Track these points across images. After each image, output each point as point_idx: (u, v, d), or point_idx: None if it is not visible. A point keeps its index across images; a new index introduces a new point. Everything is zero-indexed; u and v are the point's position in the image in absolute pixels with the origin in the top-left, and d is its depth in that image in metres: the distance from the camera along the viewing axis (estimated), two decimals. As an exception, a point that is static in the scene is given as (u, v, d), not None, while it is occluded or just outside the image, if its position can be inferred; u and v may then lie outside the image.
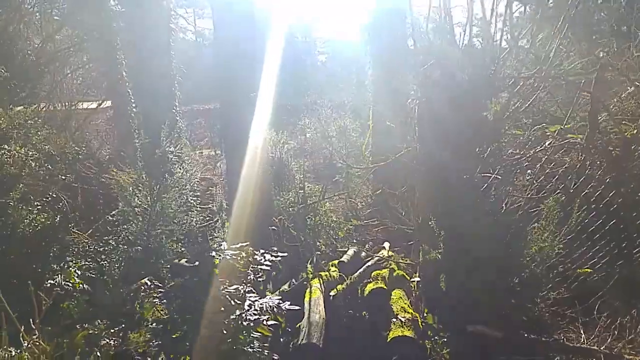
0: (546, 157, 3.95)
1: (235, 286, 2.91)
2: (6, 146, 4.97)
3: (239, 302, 2.84)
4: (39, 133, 5.68)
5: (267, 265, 3.16)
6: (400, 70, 6.73)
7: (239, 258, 2.97)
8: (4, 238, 4.75)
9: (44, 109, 7.72)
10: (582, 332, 3.59)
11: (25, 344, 2.50)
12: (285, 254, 3.27)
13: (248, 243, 3.06)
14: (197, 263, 3.24)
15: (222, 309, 2.83)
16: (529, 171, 3.94)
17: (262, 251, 3.21)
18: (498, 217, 3.82)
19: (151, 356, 3.79)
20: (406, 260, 4.83)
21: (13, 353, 2.82)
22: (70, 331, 4.05)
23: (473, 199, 3.84)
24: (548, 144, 3.86)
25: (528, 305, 3.72)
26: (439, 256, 3.85)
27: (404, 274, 4.52)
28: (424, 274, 4.14)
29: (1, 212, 4.83)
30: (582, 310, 3.71)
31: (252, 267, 3.13)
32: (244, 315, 2.86)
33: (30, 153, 5.47)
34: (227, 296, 2.81)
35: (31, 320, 2.52)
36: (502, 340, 3.46)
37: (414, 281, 4.35)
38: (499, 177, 3.95)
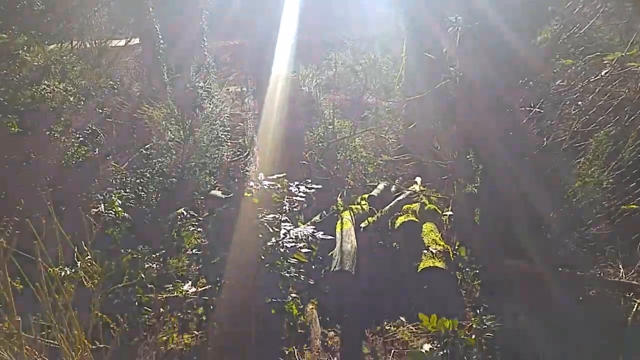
0: (600, 88, 3.69)
1: (272, 215, 2.96)
2: (46, 81, 5.03)
3: (276, 229, 2.89)
4: (74, 68, 5.71)
5: (301, 196, 3.18)
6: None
7: (275, 188, 2.98)
8: (51, 167, 4.95)
9: (76, 46, 7.71)
10: (620, 267, 3.54)
11: (79, 264, 2.63)
12: (320, 186, 3.26)
13: (284, 174, 3.06)
14: (231, 195, 3.31)
15: (260, 236, 2.89)
16: (579, 103, 3.70)
17: (296, 183, 3.22)
18: (540, 151, 3.67)
19: (190, 279, 4.01)
20: (438, 195, 4.78)
21: (69, 272, 3.01)
22: (116, 256, 4.31)
23: (515, 132, 3.68)
24: (605, 74, 3.58)
25: (565, 240, 3.65)
26: (475, 190, 3.77)
27: (436, 207, 4.49)
28: (457, 208, 4.10)
29: (46, 143, 4.99)
30: (622, 246, 3.63)
31: (287, 198, 3.16)
32: (280, 242, 2.93)
33: (69, 88, 5.54)
34: (265, 224, 2.87)
35: (82, 242, 2.64)
36: (536, 275, 3.45)
37: (446, 215, 4.33)
38: (544, 110, 3.75)
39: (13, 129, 4.27)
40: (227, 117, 8.66)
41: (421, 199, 4.69)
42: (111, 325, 2.45)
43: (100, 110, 5.97)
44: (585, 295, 3.36)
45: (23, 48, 5.04)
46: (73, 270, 2.71)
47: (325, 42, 16.48)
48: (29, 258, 2.22)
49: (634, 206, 3.65)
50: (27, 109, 4.75)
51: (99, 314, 2.41)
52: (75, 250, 2.73)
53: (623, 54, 3.50)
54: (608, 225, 3.55)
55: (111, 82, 7.27)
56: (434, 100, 4.77)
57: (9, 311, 2.13)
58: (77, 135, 5.47)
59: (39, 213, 2.60)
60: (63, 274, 2.72)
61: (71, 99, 5.51)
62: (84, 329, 2.37)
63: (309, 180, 3.32)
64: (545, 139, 3.81)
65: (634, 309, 3.07)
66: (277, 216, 3.02)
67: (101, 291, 2.55)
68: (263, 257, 2.88)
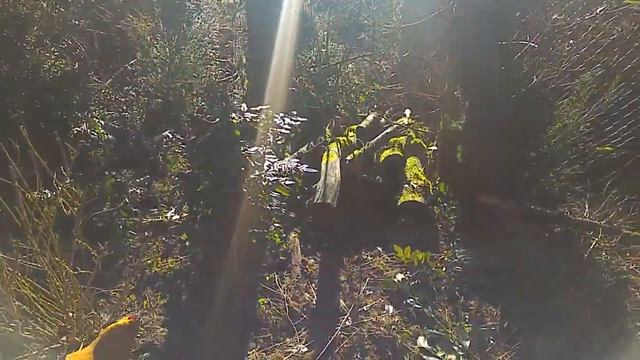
0: (594, 25, 3.57)
1: (254, 148, 2.97)
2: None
3: (258, 163, 2.93)
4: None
5: (286, 129, 3.17)
6: None
7: (258, 120, 2.96)
8: (26, 82, 4.74)
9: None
10: (586, 206, 3.70)
11: (59, 189, 2.67)
12: (305, 119, 3.24)
13: (268, 106, 3.02)
14: (217, 120, 3.27)
15: (242, 168, 2.94)
16: (570, 41, 3.59)
17: (281, 114, 3.19)
18: (527, 89, 3.64)
19: (175, 205, 4.12)
20: (425, 129, 4.79)
21: (49, 195, 3.06)
22: (99, 178, 4.34)
23: (504, 68, 3.61)
24: (600, 10, 3.44)
25: (541, 179, 3.76)
26: (459, 127, 3.79)
27: (422, 142, 4.53)
28: (442, 144, 4.14)
29: (18, 55, 4.73)
30: (591, 186, 3.76)
31: (271, 130, 3.16)
32: (263, 175, 2.98)
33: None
34: (247, 157, 2.89)
35: (61, 167, 2.65)
36: (510, 211, 3.60)
37: (431, 150, 4.38)
38: (536, 46, 3.65)
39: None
40: (217, 33, 8.29)
41: (409, 132, 4.70)
42: (92, 253, 2.55)
43: (76, 22, 5.57)
44: (552, 232, 3.54)
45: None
46: (53, 194, 2.77)
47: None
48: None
49: (609, 148, 3.72)
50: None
51: (79, 241, 2.49)
52: (54, 176, 2.76)
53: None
54: (581, 167, 3.64)
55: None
56: (430, 28, 4.59)
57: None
58: (52, 48, 5.18)
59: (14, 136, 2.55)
60: (42, 197, 2.77)
61: (44, 4, 5.16)
62: (66, 254, 2.48)
63: (294, 112, 3.28)
64: (535, 77, 3.76)
65: (591, 246, 3.28)
66: (259, 148, 3.03)
67: (83, 217, 2.62)
68: (245, 190, 2.94)
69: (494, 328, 2.71)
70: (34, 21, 4.71)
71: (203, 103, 6.27)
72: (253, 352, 2.62)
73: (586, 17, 3.53)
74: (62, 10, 5.30)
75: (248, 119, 2.91)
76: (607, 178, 3.65)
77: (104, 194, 4.13)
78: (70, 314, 2.46)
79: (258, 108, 3.00)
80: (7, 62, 4.57)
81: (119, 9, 8.25)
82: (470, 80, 3.87)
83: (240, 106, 3.03)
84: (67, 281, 2.40)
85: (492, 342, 2.57)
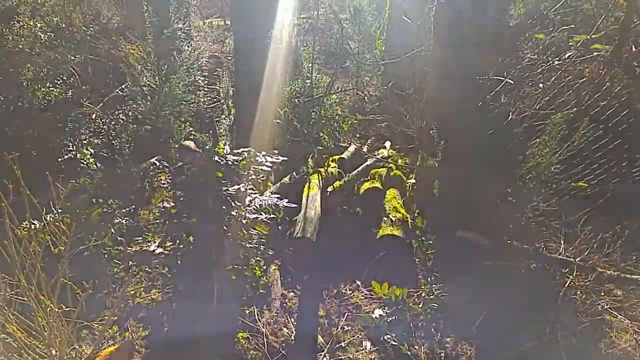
0: (563, 68, 3.75)
1: (236, 186, 3.06)
2: (15, 21, 4.80)
3: (238, 203, 3.01)
4: (46, 3, 5.43)
5: (267, 166, 3.27)
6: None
7: (241, 161, 3.07)
8: (23, 113, 4.87)
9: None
10: (562, 243, 3.82)
11: (46, 225, 2.74)
12: (286, 158, 3.35)
13: (250, 149, 3.14)
14: (205, 148, 3.35)
15: (223, 207, 3.02)
16: (540, 84, 3.77)
17: (263, 153, 3.30)
18: (501, 128, 3.79)
19: (159, 235, 4.18)
20: (405, 160, 4.92)
21: (37, 226, 3.12)
22: (87, 206, 4.41)
23: (479, 107, 3.76)
24: (568, 56, 3.63)
25: (517, 215, 3.88)
26: (436, 164, 3.92)
27: (401, 174, 4.65)
28: (420, 179, 4.26)
29: (16, 89, 4.87)
30: (566, 223, 3.88)
31: (253, 168, 3.26)
32: (243, 213, 3.07)
33: (39, 25, 5.29)
34: (228, 197, 2.98)
35: (50, 202, 2.73)
36: (487, 247, 3.71)
37: (409, 182, 4.50)
38: (512, 82, 3.81)
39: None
40: (206, 60, 8.46)
41: (388, 163, 4.82)
42: (76, 291, 2.61)
43: (72, 57, 5.71)
44: (528, 268, 3.64)
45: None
46: (41, 227, 2.83)
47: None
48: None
49: (583, 184, 3.87)
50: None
51: (65, 280, 2.55)
52: (43, 213, 2.83)
53: (588, 37, 3.55)
54: (556, 203, 3.78)
55: (84, 28, 6.91)
56: (408, 65, 4.77)
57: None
58: (49, 77, 5.31)
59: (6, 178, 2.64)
60: (30, 229, 2.83)
61: (43, 37, 5.30)
62: (52, 289, 2.54)
63: (276, 151, 3.39)
64: (510, 113, 3.92)
65: (566, 285, 3.38)
66: (241, 186, 3.12)
67: (69, 252, 2.68)
68: (225, 228, 3.02)
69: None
70: (31, 56, 4.84)
71: (191, 129, 6.39)
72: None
73: (556, 61, 3.70)
74: (61, 43, 5.43)
75: (230, 162, 3.01)
76: (582, 215, 3.79)
77: (90, 224, 4.20)
78: (53, 350, 2.51)
79: (240, 150, 3.11)
80: (3, 95, 4.68)
81: (113, 37, 8.43)
82: (446, 117, 4.01)
83: (224, 148, 3.13)
84: (52, 317, 2.45)
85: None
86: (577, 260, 3.60)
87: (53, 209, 3.10)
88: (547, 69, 3.81)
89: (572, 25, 4.53)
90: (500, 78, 3.77)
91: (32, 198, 2.55)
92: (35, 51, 5.08)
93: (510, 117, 3.89)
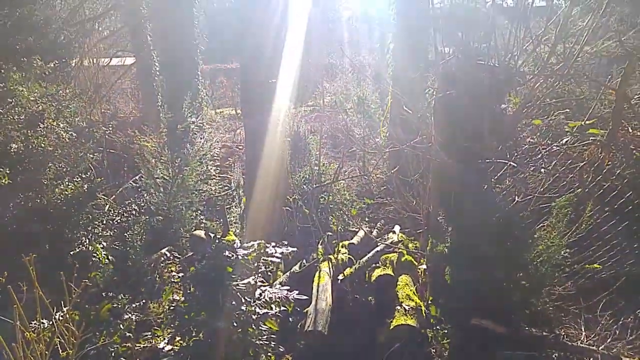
0: (562, 152, 3.88)
1: (246, 281, 3.08)
2: (40, 124, 5.14)
3: (248, 298, 3.01)
4: (69, 107, 5.84)
5: (277, 258, 3.31)
6: (422, 47, 6.55)
7: (250, 257, 3.11)
8: (41, 210, 5.04)
9: (75, 65, 7.80)
10: (582, 329, 3.67)
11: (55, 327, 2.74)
12: (295, 249, 3.40)
13: (261, 241, 3.20)
14: (215, 237, 3.41)
15: (233, 302, 3.01)
16: (542, 170, 3.87)
17: (273, 244, 3.35)
18: (507, 212, 3.83)
19: (167, 330, 4.11)
20: (416, 244, 4.91)
21: (46, 325, 3.11)
22: (97, 301, 4.40)
23: (484, 194, 3.84)
24: (565, 142, 3.77)
25: (532, 300, 3.79)
26: (446, 250, 3.91)
27: (413, 259, 4.62)
28: (431, 265, 4.23)
29: (37, 186, 5.09)
30: (585, 307, 3.77)
31: (263, 260, 3.30)
32: (253, 308, 3.04)
33: (62, 125, 5.65)
34: (238, 292, 2.98)
35: (62, 303, 2.76)
36: (504, 335, 3.57)
37: (421, 268, 4.46)
38: (515, 165, 3.91)
39: (4, 181, 4.34)
40: (217, 151, 8.84)
41: (399, 249, 4.82)
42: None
43: (91, 155, 6.02)
44: (549, 358, 3.47)
45: (20, 85, 5.16)
46: (49, 326, 2.83)
47: (319, 66, 16.85)
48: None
49: (597, 266, 3.81)
50: (18, 156, 4.85)
51: None
52: (54, 314, 2.85)
53: (583, 123, 3.71)
54: (572, 285, 3.69)
55: (103, 128, 7.36)
56: (411, 153, 4.95)
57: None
58: (68, 174, 5.56)
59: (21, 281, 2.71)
60: (39, 329, 2.83)
61: (65, 136, 5.63)
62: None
63: (285, 242, 3.44)
64: (515, 197, 3.98)
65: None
66: (251, 280, 3.13)
67: (76, 355, 2.65)
68: (235, 324, 2.98)
69: None
70: (54, 158, 5.11)
71: (202, 217, 6.51)
72: None
73: (554, 147, 3.83)
74: (81, 141, 5.74)
75: (240, 257, 3.06)
76: (600, 298, 3.68)
77: (100, 319, 4.16)
78: None
79: (251, 244, 3.16)
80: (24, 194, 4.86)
81: (129, 130, 8.93)
82: (451, 204, 4.07)
83: (234, 242, 3.20)
84: None
85: None
86: (600, 348, 3.43)
87: (63, 307, 3.10)
88: (547, 153, 3.93)
89: (567, 110, 4.75)
90: (503, 161, 3.89)
91: (44, 298, 2.59)
92: (57, 151, 5.38)
93: (515, 201, 3.95)
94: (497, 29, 4.12)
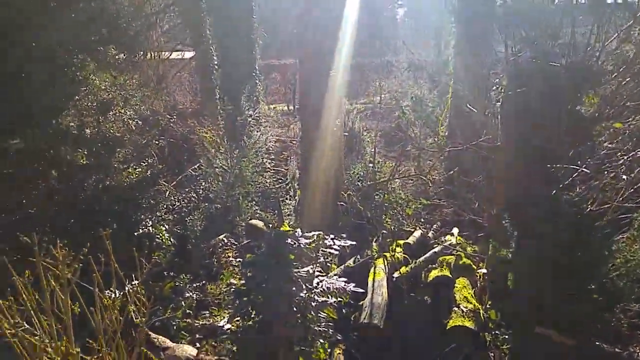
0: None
1: (306, 269, 3.11)
2: (110, 111, 5.44)
3: (308, 285, 3.04)
4: (135, 96, 6.15)
5: (335, 250, 3.31)
6: (486, 44, 6.32)
7: (310, 245, 3.14)
8: (110, 191, 5.33)
9: (139, 57, 8.19)
10: (660, 350, 3.42)
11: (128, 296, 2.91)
12: (354, 243, 3.39)
13: (320, 233, 3.22)
14: (271, 226, 3.47)
15: (294, 288, 3.05)
16: (623, 177, 3.62)
17: (332, 236, 3.36)
18: (579, 220, 3.62)
19: (226, 309, 4.25)
20: (474, 248, 4.77)
21: (118, 295, 3.31)
22: (160, 279, 4.64)
23: (554, 199, 3.66)
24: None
25: (605, 314, 3.57)
26: (509, 255, 3.77)
27: (471, 262, 4.49)
28: (492, 269, 4.09)
29: (108, 169, 5.39)
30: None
31: (322, 251, 3.32)
32: (312, 295, 3.07)
33: (129, 113, 5.97)
34: (299, 279, 3.02)
35: (133, 276, 2.91)
36: (572, 348, 3.39)
37: (480, 272, 4.32)
38: (588, 171, 3.69)
39: (82, 161, 4.64)
40: (272, 144, 9.00)
41: (457, 251, 4.70)
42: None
43: (156, 142, 6.30)
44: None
45: (93, 74, 5.48)
46: (121, 297, 3.03)
47: (373, 66, 16.75)
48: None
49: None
50: (92, 140, 5.16)
51: (144, 349, 2.67)
52: (127, 284, 3.02)
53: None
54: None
55: (167, 116, 7.66)
56: (474, 153, 4.80)
57: (68, 332, 2.43)
58: (135, 159, 5.86)
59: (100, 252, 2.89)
60: (114, 302, 3.00)
61: (131, 123, 5.94)
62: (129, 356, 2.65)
63: (344, 235, 3.44)
64: (589, 204, 3.75)
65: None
66: (310, 268, 3.16)
67: (146, 323, 2.80)
68: (295, 309, 3.02)
69: None
70: (122, 144, 5.38)
71: (257, 207, 6.66)
72: None
73: (638, 152, 3.59)
74: (146, 128, 6.02)
75: (302, 245, 3.10)
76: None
77: (163, 296, 4.39)
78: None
79: (312, 234, 3.19)
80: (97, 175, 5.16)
81: (188, 121, 9.27)
82: (518, 206, 3.91)
83: (296, 231, 3.24)
84: None
85: None
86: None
87: (135, 280, 3.26)
88: (628, 160, 3.68)
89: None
90: (576, 167, 3.69)
91: (118, 270, 2.75)
92: (125, 137, 5.68)
93: (589, 209, 3.73)
94: (572, 26, 3.93)
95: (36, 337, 2.45)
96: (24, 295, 2.50)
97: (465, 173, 5.09)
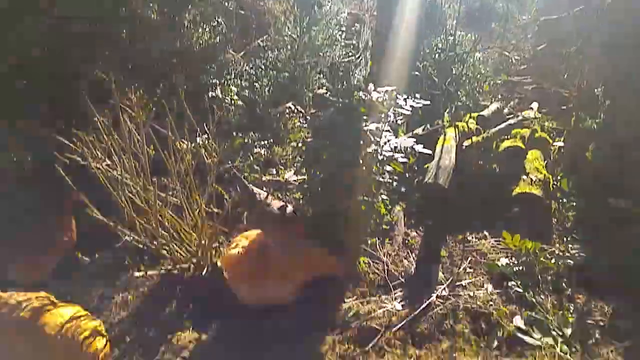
0: None
1: (375, 125, 3.09)
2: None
3: (377, 139, 3.04)
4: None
5: (407, 109, 3.22)
6: None
7: (382, 100, 3.06)
8: (179, 52, 5.43)
9: None
10: None
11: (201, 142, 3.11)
12: (428, 103, 3.27)
13: (395, 88, 3.11)
14: (339, 96, 3.43)
15: (362, 142, 3.08)
16: None
17: (404, 96, 3.25)
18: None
19: (293, 168, 4.46)
20: (552, 124, 4.49)
21: (190, 145, 3.55)
22: (229, 137, 4.87)
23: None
24: None
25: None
26: (595, 126, 3.50)
27: (547, 136, 4.26)
28: (571, 141, 3.86)
29: (178, 28, 5.43)
30: None
31: (393, 110, 3.24)
32: (379, 150, 3.09)
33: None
34: (368, 133, 3.02)
35: (204, 124, 3.07)
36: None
37: (556, 145, 4.11)
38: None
39: (154, 16, 4.67)
40: (345, 17, 8.54)
41: (534, 125, 4.45)
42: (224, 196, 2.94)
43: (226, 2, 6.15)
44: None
45: None
46: (194, 146, 3.25)
47: None
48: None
49: None
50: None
51: (214, 185, 2.93)
52: (198, 130, 3.20)
53: None
54: None
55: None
56: (573, 23, 4.28)
57: (144, 169, 2.68)
58: (203, 21, 5.82)
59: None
60: (186, 146, 3.24)
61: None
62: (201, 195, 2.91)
63: (418, 95, 3.32)
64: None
65: None
66: (379, 125, 3.13)
67: (217, 167, 3.01)
68: (361, 161, 3.08)
69: (602, 324, 2.52)
70: (192, 2, 5.27)
71: (325, 79, 6.57)
72: (350, 300, 2.79)
73: None
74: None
75: (374, 99, 3.03)
76: None
77: (232, 151, 4.64)
78: (201, 241, 2.87)
79: (385, 89, 3.10)
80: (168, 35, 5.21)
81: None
82: (614, 78, 3.54)
83: (368, 85, 3.16)
84: (199, 215, 2.81)
85: (597, 336, 2.40)
86: None
87: (206, 131, 3.44)
88: None
89: None
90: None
91: (190, 117, 2.90)
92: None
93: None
94: None
95: (116, 171, 2.72)
96: (104, 135, 2.74)
97: (557, 45, 4.60)
